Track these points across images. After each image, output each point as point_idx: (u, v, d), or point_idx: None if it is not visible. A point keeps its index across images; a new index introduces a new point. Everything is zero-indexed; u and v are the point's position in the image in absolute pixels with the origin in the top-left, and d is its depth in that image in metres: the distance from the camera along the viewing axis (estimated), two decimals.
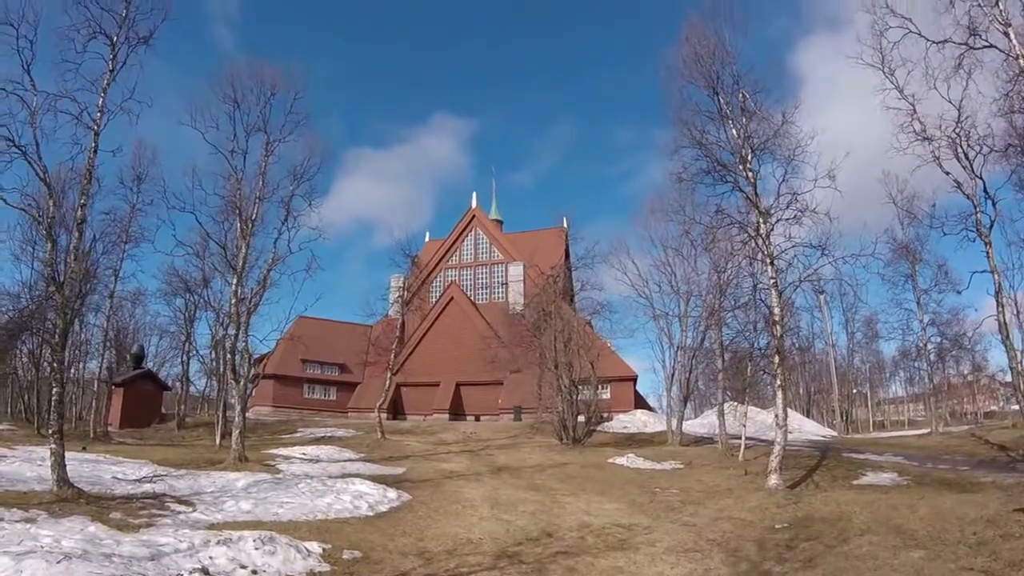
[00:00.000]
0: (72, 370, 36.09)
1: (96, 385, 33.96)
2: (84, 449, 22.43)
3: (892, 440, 31.62)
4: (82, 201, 14.95)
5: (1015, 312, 37.83)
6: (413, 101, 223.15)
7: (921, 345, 37.09)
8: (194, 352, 40.71)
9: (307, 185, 25.40)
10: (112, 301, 33.91)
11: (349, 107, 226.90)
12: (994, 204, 20.50)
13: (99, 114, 14.48)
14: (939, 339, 39.88)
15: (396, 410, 49.78)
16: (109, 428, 33.35)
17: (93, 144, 14.38)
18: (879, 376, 67.13)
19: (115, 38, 14.89)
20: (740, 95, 18.54)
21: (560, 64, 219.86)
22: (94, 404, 32.73)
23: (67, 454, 13.03)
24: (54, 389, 13.36)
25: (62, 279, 14.35)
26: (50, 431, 12.86)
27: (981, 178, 20.12)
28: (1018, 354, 19.93)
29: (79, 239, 15.07)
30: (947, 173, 20.23)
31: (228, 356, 24.57)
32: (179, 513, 11.77)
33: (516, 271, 57.80)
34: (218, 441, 28.29)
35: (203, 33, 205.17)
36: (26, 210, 15.63)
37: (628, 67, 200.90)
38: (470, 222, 63.41)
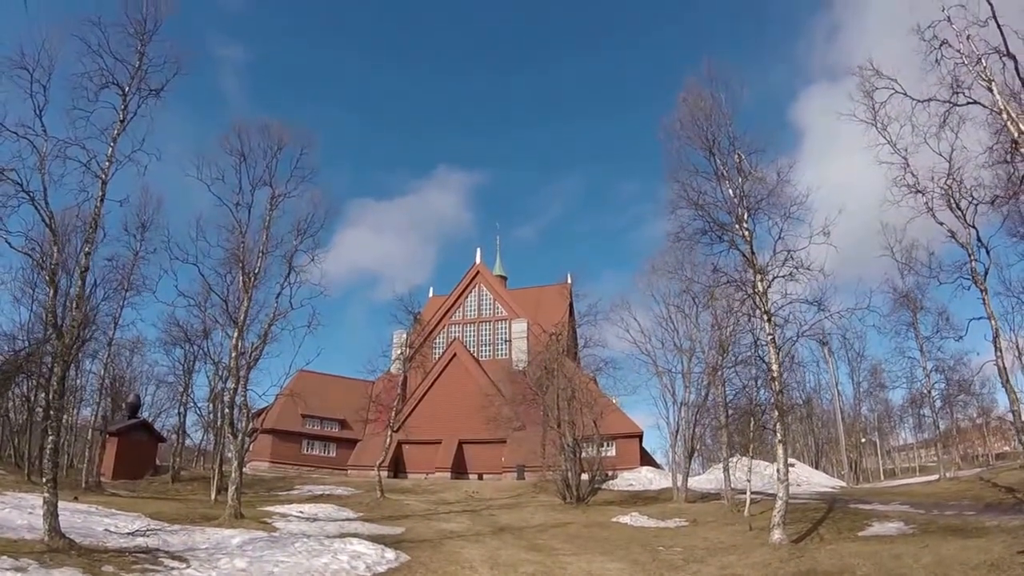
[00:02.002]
0: (66, 417, 35.60)
1: (90, 433, 33.32)
2: (76, 499, 21.95)
3: (900, 489, 31.09)
4: (86, 249, 15.01)
5: (1016, 355, 37.87)
6: (417, 152, 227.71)
7: (926, 391, 37.06)
8: (191, 404, 40.12)
9: (310, 240, 25.53)
10: (110, 348, 33.49)
11: (352, 156, 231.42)
12: (988, 252, 20.89)
13: (108, 163, 14.65)
14: (944, 385, 39.89)
15: (397, 468, 48.87)
16: (102, 478, 32.62)
17: (100, 193, 14.49)
18: (888, 424, 66.40)
19: (127, 89, 15.24)
20: (736, 156, 19.03)
21: (565, 116, 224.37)
22: (87, 453, 32.06)
23: (59, 503, 12.71)
24: (49, 437, 13.11)
25: (62, 324, 14.27)
26: (43, 479, 12.57)
27: (974, 227, 20.58)
28: (1019, 397, 19.86)
29: (81, 286, 15.06)
30: (941, 223, 20.62)
31: (226, 410, 24.32)
32: (172, 569, 11.42)
33: (519, 328, 57.74)
34: (213, 496, 27.69)
35: (209, 80, 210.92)
36: (30, 254, 15.73)
37: (634, 118, 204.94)
38: (474, 278, 63.69)
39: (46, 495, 12.12)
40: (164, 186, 70.17)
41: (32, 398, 33.27)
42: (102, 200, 14.54)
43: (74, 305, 15.15)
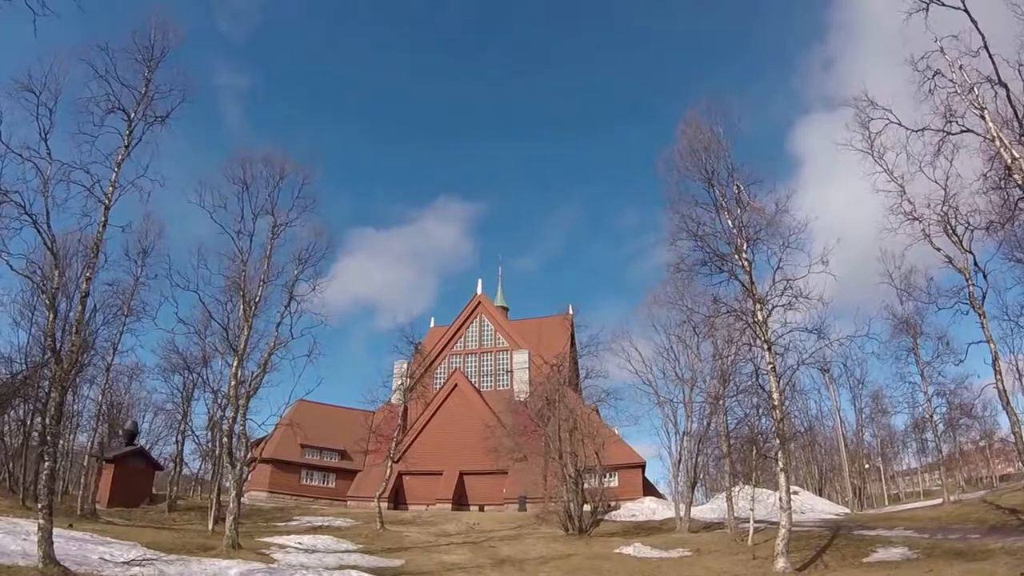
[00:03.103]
0: (62, 442, 35.27)
1: (86, 459, 32.95)
2: (71, 526, 21.69)
3: (904, 514, 30.74)
4: (87, 274, 15.08)
5: (1016, 377, 37.65)
6: (418, 182, 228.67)
7: (928, 416, 36.87)
8: (189, 432, 39.60)
9: (311, 269, 25.59)
10: (108, 374, 33.25)
11: (353, 185, 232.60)
12: (985, 276, 20.91)
13: (111, 188, 14.74)
14: (946, 409, 39.65)
15: (397, 499, 48.31)
16: (97, 505, 32.18)
17: (103, 218, 14.55)
18: (891, 449, 65.73)
19: (133, 115, 15.41)
20: (735, 187, 19.25)
21: (567, 145, 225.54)
22: (83, 479, 31.70)
23: (54, 530, 12.56)
24: (45, 462, 13.03)
25: (61, 348, 14.21)
26: (39, 505, 12.45)
27: (971, 252, 20.65)
28: (1020, 419, 19.76)
29: (81, 311, 15.04)
30: (938, 249, 20.73)
31: (225, 439, 24.14)
32: None
33: (521, 358, 57.56)
34: (211, 526, 27.35)
35: (212, 107, 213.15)
36: (30, 277, 15.77)
37: (635, 135, 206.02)
38: (475, 309, 63.69)
39: (41, 521, 11.99)
40: (163, 208, 70.12)
41: (28, 422, 33.05)
42: (104, 225, 14.59)
43: (73, 330, 15.11)
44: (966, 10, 15.64)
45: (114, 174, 14.86)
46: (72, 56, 14.72)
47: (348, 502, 48.96)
